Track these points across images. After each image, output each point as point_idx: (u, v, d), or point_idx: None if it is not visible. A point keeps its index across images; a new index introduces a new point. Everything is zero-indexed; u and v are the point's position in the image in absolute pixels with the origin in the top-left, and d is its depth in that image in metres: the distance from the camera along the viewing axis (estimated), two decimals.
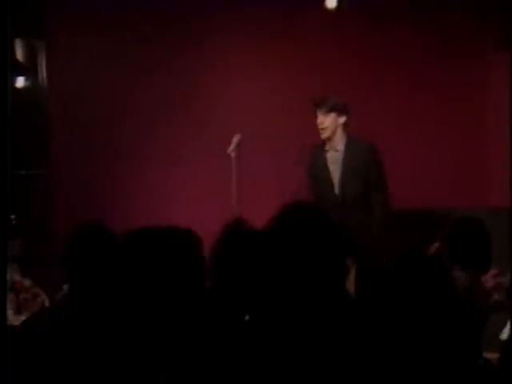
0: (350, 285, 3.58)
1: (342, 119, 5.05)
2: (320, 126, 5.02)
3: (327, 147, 5.07)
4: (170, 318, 2.03)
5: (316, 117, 5.06)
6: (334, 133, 5.03)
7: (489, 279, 3.23)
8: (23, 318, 3.44)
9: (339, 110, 5.03)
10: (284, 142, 6.98)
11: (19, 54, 6.58)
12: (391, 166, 7.10)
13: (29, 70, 6.68)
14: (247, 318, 2.45)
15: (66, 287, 3.09)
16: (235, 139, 5.25)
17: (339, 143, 5.06)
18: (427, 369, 1.79)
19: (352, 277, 3.63)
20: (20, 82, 6.65)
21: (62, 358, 2.43)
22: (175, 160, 6.81)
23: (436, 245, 3.55)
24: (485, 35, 7.13)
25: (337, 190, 4.98)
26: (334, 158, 5.05)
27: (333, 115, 5.01)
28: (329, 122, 5.00)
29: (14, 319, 3.94)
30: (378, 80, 7.11)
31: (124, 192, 6.77)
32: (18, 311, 4.22)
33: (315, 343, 2.02)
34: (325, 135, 5.03)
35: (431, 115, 7.19)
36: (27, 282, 4.43)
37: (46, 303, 4.36)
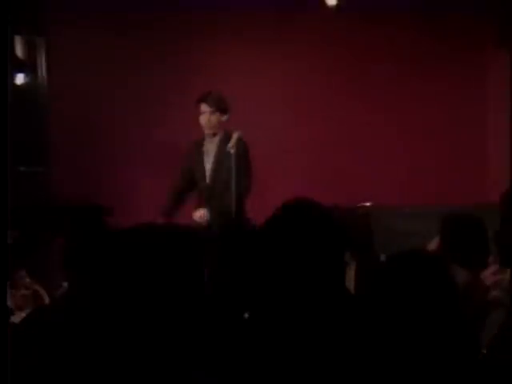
0: (350, 281, 3.60)
1: (225, 117, 5.36)
2: (206, 124, 5.33)
3: (205, 141, 5.41)
4: (168, 316, 2.04)
5: (200, 113, 5.34)
6: (216, 129, 5.35)
7: (488, 276, 3.24)
8: (23, 314, 3.44)
9: (223, 109, 5.34)
10: (284, 140, 6.99)
11: (19, 51, 6.58)
12: (391, 166, 7.15)
13: (29, 67, 6.68)
14: (247, 315, 2.46)
15: (65, 285, 3.10)
16: (235, 136, 5.25)
17: (217, 138, 5.37)
18: (427, 366, 1.80)
19: (352, 273, 3.64)
20: (20, 79, 6.65)
21: (60, 356, 2.43)
22: (175, 158, 6.80)
23: (434, 242, 3.56)
24: (484, 34, 7.13)
25: (208, 180, 5.35)
26: (210, 151, 5.39)
27: (218, 114, 5.31)
28: (214, 121, 5.32)
29: (14, 316, 3.95)
30: (378, 80, 7.12)
31: (124, 189, 6.78)
32: (17, 308, 4.22)
33: (315, 340, 2.02)
34: (210, 131, 5.35)
35: (431, 114, 7.21)
36: (26, 280, 4.43)
37: (46, 300, 4.36)
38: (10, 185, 2.53)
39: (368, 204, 6.29)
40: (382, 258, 3.74)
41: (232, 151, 5.18)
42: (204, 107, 5.32)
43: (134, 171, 6.86)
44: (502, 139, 7.10)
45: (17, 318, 3.65)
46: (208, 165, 5.38)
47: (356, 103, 7.16)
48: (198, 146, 5.44)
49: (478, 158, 7.23)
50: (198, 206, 5.34)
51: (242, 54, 7.07)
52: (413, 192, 6.91)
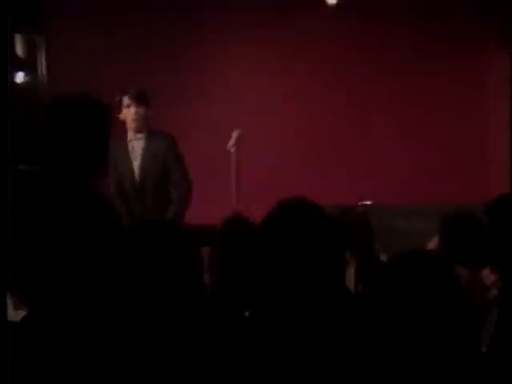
0: (350, 280, 3.60)
1: (149, 112, 5.11)
2: (134, 117, 5.04)
3: (130, 137, 5.11)
4: (168, 314, 2.04)
5: (128, 107, 5.05)
6: (142, 125, 5.08)
7: (488, 275, 3.24)
8: (23, 313, 3.44)
9: (147, 103, 5.10)
10: (283, 139, 7.00)
11: (19, 50, 6.58)
12: (391, 165, 7.15)
13: (29, 66, 6.68)
14: (247, 313, 2.46)
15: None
16: (234, 134, 5.25)
17: (142, 134, 5.10)
18: (428, 364, 1.80)
19: (352, 272, 3.64)
20: (20, 77, 6.65)
21: (61, 355, 2.44)
22: None
23: (434, 241, 3.56)
24: (484, 34, 7.14)
25: (137, 177, 5.07)
26: (136, 147, 5.11)
27: (143, 107, 5.06)
28: (142, 114, 5.05)
29: (14, 315, 3.95)
30: (378, 79, 7.12)
31: None
32: (17, 306, 4.22)
33: (315, 339, 2.02)
34: (138, 127, 5.06)
35: (431, 113, 7.21)
36: None
37: None
38: (9, 184, 2.53)
39: (368, 202, 6.30)
40: (382, 257, 3.74)
41: (232, 150, 5.18)
42: (127, 100, 5.05)
43: None
44: (502, 139, 7.11)
45: (17, 317, 3.65)
46: (135, 165, 5.09)
47: (356, 102, 7.16)
48: (123, 142, 5.11)
49: (478, 157, 7.24)
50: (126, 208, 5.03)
51: (241, 54, 7.08)
52: (413, 191, 6.92)
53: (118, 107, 5.02)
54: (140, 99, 5.04)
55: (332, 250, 2.11)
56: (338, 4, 6.73)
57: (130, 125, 5.06)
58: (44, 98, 6.75)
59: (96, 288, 2.65)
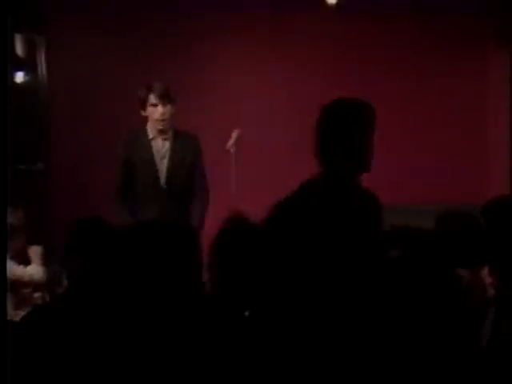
0: None
1: (174, 110, 4.85)
2: (161, 118, 4.78)
3: (153, 135, 4.87)
4: (168, 313, 2.03)
5: (154, 106, 4.80)
6: (168, 124, 4.84)
7: (487, 274, 3.23)
8: (22, 313, 3.44)
9: (175, 100, 4.85)
10: (283, 139, 6.99)
11: (19, 50, 6.58)
12: (392, 165, 7.15)
13: (28, 66, 6.69)
14: (247, 313, 2.46)
15: (65, 283, 3.10)
16: (234, 134, 5.24)
17: (168, 133, 4.87)
18: (428, 363, 1.80)
19: None
20: (20, 77, 6.65)
21: (59, 355, 2.43)
22: None
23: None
24: (484, 34, 7.14)
25: (162, 179, 4.84)
26: (161, 147, 4.88)
27: (170, 106, 4.80)
28: (169, 113, 4.80)
29: (14, 314, 3.95)
30: (378, 79, 7.12)
31: None
32: (17, 306, 4.23)
33: (315, 339, 2.02)
34: (164, 127, 4.81)
35: (431, 113, 7.21)
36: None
37: (46, 298, 4.37)
38: (9, 183, 2.53)
39: None
40: None
41: (232, 150, 5.17)
42: (153, 99, 4.80)
43: None
44: (502, 139, 7.11)
45: (16, 317, 3.65)
46: (162, 166, 4.85)
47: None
48: (144, 138, 4.88)
49: (478, 157, 7.23)
50: (145, 207, 4.80)
51: (241, 54, 7.07)
52: (413, 191, 6.91)
53: (142, 104, 4.82)
54: (167, 98, 4.78)
55: (332, 251, 2.12)
56: (337, 4, 6.72)
57: (156, 124, 4.81)
58: (44, 97, 6.76)
59: (96, 287, 2.65)
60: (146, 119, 4.87)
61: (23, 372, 2.44)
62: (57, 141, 6.76)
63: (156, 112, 4.77)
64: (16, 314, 3.91)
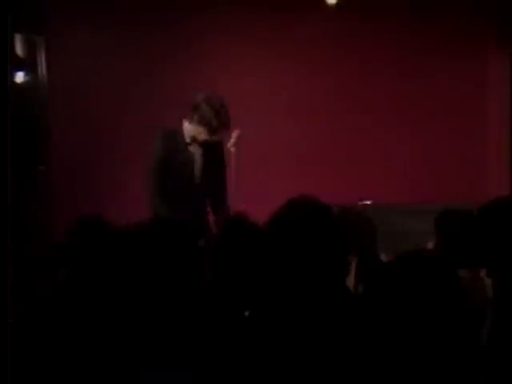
0: (350, 280, 3.59)
1: None
2: (207, 139, 4.88)
3: (190, 141, 4.95)
4: (168, 312, 2.03)
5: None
6: None
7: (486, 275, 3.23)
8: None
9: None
10: (283, 139, 6.99)
11: (19, 50, 6.58)
12: (392, 165, 7.15)
13: (28, 66, 6.68)
14: (247, 313, 2.46)
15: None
16: (234, 135, 5.24)
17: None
18: (428, 364, 1.80)
19: (352, 272, 3.63)
20: (20, 77, 6.65)
21: (57, 349, 2.43)
22: None
23: (431, 243, 3.56)
24: (484, 34, 7.14)
25: (198, 181, 4.98)
26: (196, 150, 4.98)
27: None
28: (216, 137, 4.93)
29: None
30: (378, 79, 7.12)
31: (124, 187, 6.78)
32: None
33: (315, 339, 2.02)
34: (203, 142, 4.93)
35: (431, 113, 7.21)
36: None
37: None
38: (9, 183, 2.53)
39: (368, 202, 6.30)
40: (382, 256, 3.74)
41: (232, 150, 5.17)
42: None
43: (134, 170, 6.85)
44: (503, 139, 7.11)
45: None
46: (197, 166, 4.98)
47: (356, 103, 7.16)
48: (179, 140, 4.95)
49: (478, 157, 7.24)
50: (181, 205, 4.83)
51: (241, 54, 7.07)
52: (413, 191, 6.92)
53: (195, 109, 4.86)
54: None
55: (338, 250, 2.12)
56: (337, 4, 6.72)
57: (199, 139, 4.90)
58: (44, 97, 6.76)
59: (96, 286, 2.65)
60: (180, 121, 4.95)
61: (22, 366, 2.44)
62: (57, 141, 6.76)
63: (203, 135, 4.85)
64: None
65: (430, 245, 3.58)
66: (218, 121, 4.81)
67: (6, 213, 2.53)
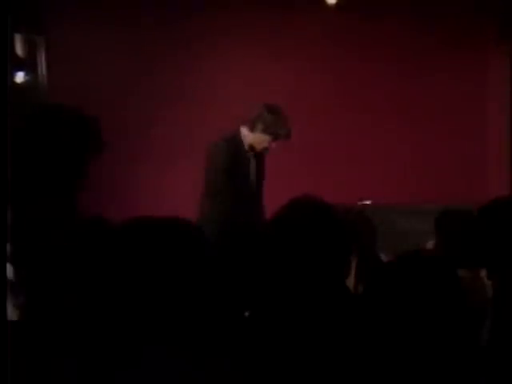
0: (350, 280, 3.59)
1: None
2: (265, 150, 5.16)
3: (247, 149, 5.15)
4: (167, 313, 2.03)
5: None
6: None
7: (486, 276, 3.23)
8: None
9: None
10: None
11: (19, 50, 6.58)
12: (392, 165, 7.15)
13: (28, 66, 6.68)
14: (247, 313, 2.46)
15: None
16: (273, 145, 5.27)
17: None
18: (428, 364, 1.80)
19: (352, 271, 3.63)
20: (20, 77, 6.65)
21: (57, 351, 2.43)
22: (174, 157, 6.82)
23: (431, 243, 3.56)
24: (484, 34, 7.14)
25: (253, 187, 5.24)
26: (252, 160, 5.23)
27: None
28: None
29: (14, 314, 3.95)
30: (378, 79, 7.12)
31: (124, 188, 6.78)
32: (17, 306, 4.22)
33: (315, 339, 2.02)
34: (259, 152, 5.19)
35: (430, 113, 7.21)
36: None
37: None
38: (9, 183, 2.53)
39: (368, 202, 6.30)
40: (382, 256, 3.74)
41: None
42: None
43: (134, 170, 6.86)
44: (503, 139, 7.11)
45: (15, 317, 3.65)
46: (252, 171, 5.25)
47: (356, 102, 7.16)
48: (241, 149, 5.16)
49: (478, 157, 7.24)
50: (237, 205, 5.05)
51: (241, 54, 7.07)
52: (413, 191, 6.92)
53: (256, 127, 5.03)
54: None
55: (340, 250, 2.11)
56: (337, 4, 6.72)
57: (257, 149, 5.12)
58: (44, 97, 6.75)
59: (96, 285, 2.65)
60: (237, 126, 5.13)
61: (22, 369, 2.44)
62: None
63: (264, 143, 5.07)
64: (16, 314, 3.90)
65: (430, 245, 3.58)
66: (284, 130, 5.05)
67: (6, 213, 2.53)
